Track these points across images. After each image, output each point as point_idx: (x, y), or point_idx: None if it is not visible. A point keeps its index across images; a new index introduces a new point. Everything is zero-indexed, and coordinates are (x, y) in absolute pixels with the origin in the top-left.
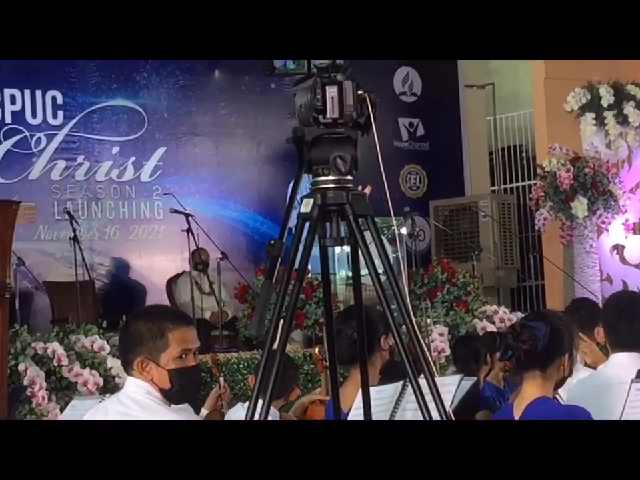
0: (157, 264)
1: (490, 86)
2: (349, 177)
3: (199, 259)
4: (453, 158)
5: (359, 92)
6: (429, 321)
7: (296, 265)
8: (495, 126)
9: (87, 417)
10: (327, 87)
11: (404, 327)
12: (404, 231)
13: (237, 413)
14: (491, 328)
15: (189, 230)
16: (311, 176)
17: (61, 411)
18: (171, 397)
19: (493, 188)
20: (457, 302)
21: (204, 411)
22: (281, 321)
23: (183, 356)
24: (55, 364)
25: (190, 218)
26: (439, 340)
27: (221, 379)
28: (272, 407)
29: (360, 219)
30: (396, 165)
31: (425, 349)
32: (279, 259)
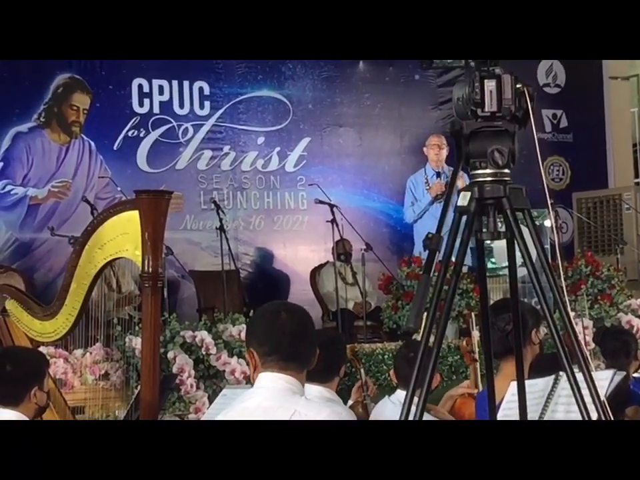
0: (301, 254)
1: (634, 77)
2: (507, 170)
3: (342, 250)
4: (597, 150)
5: (518, 85)
6: (573, 314)
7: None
8: None
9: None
10: (485, 81)
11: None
12: (547, 223)
13: (384, 406)
14: (636, 322)
15: (333, 220)
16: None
17: (209, 399)
18: None
19: (636, 180)
20: (601, 295)
21: (350, 402)
22: (437, 314)
23: None
24: (203, 352)
25: (334, 209)
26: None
27: (362, 370)
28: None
29: (517, 213)
30: None
31: (582, 342)
32: (437, 253)
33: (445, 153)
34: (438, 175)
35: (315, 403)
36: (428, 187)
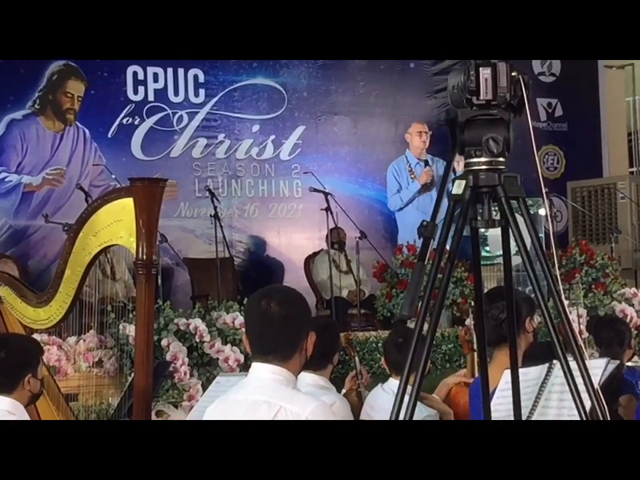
0: (295, 242)
1: (630, 66)
2: (502, 159)
3: (336, 238)
4: (591, 139)
5: (513, 73)
6: (567, 302)
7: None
8: (635, 107)
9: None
10: (480, 69)
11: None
12: (542, 212)
13: (377, 394)
14: (630, 311)
15: (327, 209)
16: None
17: (203, 386)
18: None
19: (631, 169)
20: (595, 284)
21: (343, 390)
22: (431, 302)
23: None
24: (197, 340)
25: (329, 197)
26: (577, 322)
27: (356, 358)
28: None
29: (512, 201)
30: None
31: (576, 330)
32: (431, 240)
33: (427, 140)
34: (426, 163)
35: (301, 397)
36: (413, 176)
